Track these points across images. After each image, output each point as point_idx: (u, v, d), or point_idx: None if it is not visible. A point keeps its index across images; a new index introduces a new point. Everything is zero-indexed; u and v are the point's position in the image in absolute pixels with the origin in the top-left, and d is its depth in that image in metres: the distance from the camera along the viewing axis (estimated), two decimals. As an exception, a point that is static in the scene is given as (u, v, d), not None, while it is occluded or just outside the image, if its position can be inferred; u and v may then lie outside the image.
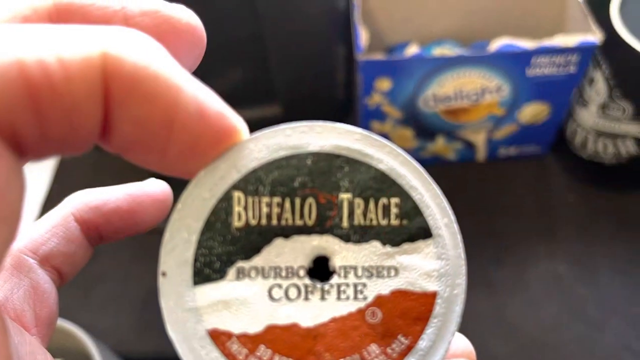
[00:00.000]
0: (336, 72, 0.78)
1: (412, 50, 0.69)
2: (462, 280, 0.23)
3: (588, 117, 0.75)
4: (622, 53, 0.66)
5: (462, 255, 0.24)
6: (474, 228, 0.79)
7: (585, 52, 0.68)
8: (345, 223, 0.23)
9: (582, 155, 0.80)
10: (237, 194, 0.23)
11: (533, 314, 0.73)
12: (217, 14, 0.66)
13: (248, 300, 0.23)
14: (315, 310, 0.23)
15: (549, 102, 0.75)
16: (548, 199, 0.82)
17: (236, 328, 0.22)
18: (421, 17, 0.80)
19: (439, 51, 0.77)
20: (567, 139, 0.82)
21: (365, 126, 0.77)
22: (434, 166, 0.84)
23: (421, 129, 0.78)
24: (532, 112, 0.76)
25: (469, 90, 0.72)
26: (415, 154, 0.81)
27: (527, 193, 0.83)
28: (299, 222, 0.23)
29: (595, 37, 0.67)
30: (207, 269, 0.23)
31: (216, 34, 0.67)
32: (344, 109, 0.87)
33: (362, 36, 0.68)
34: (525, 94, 0.73)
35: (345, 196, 0.23)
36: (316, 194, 0.23)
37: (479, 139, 0.81)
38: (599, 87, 0.71)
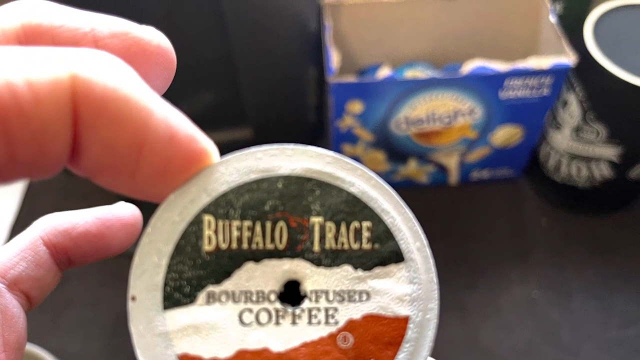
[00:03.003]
0: (307, 95, 0.77)
1: (384, 72, 0.69)
2: (434, 305, 0.23)
3: (561, 139, 0.75)
4: (596, 75, 0.66)
5: (435, 279, 0.23)
6: (446, 252, 0.79)
7: (558, 74, 0.67)
8: (316, 247, 0.23)
9: (555, 178, 0.80)
10: (208, 218, 0.23)
11: (506, 338, 0.73)
12: (187, 36, 0.66)
13: (218, 325, 0.22)
14: (286, 335, 0.23)
15: (522, 124, 0.75)
16: (521, 223, 0.82)
17: (206, 353, 0.22)
18: (393, 39, 0.79)
19: (411, 73, 0.77)
20: (540, 162, 0.82)
21: (337, 149, 0.76)
22: (406, 189, 0.84)
23: (393, 152, 0.77)
24: (505, 135, 0.76)
25: (441, 113, 0.71)
26: (387, 177, 0.81)
27: (500, 217, 0.83)
28: (269, 246, 0.23)
29: (568, 59, 0.67)
30: (177, 293, 0.22)
31: (186, 56, 0.66)
32: (315, 131, 0.86)
33: (334, 58, 0.68)
34: (498, 117, 0.73)
35: (316, 220, 0.23)
36: (287, 217, 0.23)
37: (452, 162, 0.80)
38: (572, 109, 0.71)
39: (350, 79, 0.67)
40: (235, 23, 0.64)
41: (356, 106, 0.70)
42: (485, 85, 0.69)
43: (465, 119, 0.72)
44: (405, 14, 0.76)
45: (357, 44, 0.79)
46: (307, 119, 0.82)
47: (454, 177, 0.84)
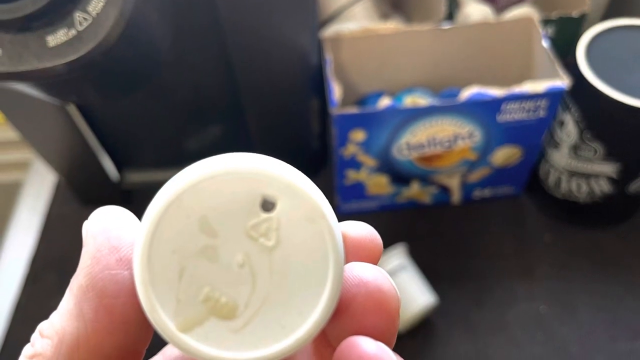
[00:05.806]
0: (311, 124, 0.79)
1: (385, 102, 0.70)
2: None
3: (560, 158, 0.76)
4: (590, 96, 0.67)
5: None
6: (452, 270, 0.80)
7: (553, 97, 0.69)
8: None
9: (556, 194, 0.81)
10: None
11: (516, 355, 0.73)
12: (195, 75, 0.67)
13: None
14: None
15: (521, 145, 0.76)
16: (525, 239, 0.83)
17: None
18: (391, 68, 0.81)
19: (410, 99, 0.78)
20: (541, 179, 0.83)
21: (341, 175, 0.77)
22: (410, 210, 0.85)
23: (396, 176, 0.79)
24: (505, 155, 0.77)
25: (441, 138, 0.73)
26: (391, 199, 0.82)
27: (504, 234, 0.84)
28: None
29: (562, 82, 0.68)
30: None
31: (195, 93, 0.68)
32: (319, 158, 0.88)
33: (336, 91, 0.69)
34: (497, 139, 0.74)
35: None
36: None
37: (454, 183, 0.81)
38: (569, 129, 0.72)
39: (352, 109, 0.69)
40: (241, 60, 0.65)
41: (359, 135, 0.71)
42: (483, 110, 0.70)
43: (465, 142, 0.74)
44: (402, 44, 0.78)
45: (356, 74, 0.81)
46: (311, 147, 0.83)
47: (456, 196, 0.85)
